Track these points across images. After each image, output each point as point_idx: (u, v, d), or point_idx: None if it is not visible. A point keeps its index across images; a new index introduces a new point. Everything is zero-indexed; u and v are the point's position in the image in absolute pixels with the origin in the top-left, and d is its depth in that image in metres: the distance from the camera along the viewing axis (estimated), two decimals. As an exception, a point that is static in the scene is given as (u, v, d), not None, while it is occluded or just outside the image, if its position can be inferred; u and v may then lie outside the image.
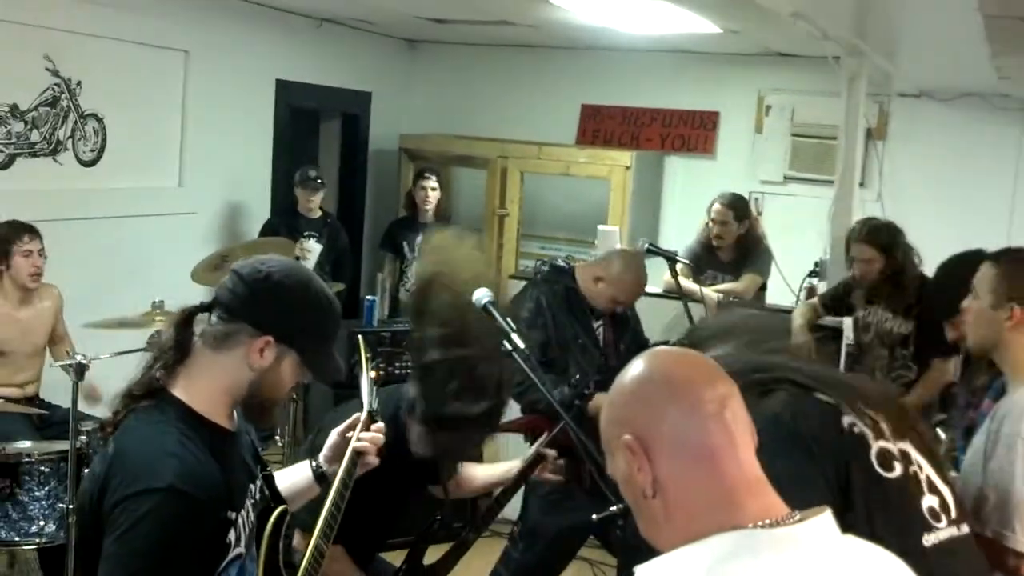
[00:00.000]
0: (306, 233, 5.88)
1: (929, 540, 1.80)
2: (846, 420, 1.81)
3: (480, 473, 3.17)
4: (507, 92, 7.72)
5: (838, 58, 4.81)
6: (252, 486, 1.97)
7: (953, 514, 1.87)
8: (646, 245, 3.81)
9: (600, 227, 5.13)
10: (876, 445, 1.81)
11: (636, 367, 1.31)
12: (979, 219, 6.37)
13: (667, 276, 4.49)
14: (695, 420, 1.22)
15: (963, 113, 6.98)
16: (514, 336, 2.49)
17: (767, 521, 1.17)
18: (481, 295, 2.55)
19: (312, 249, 5.79)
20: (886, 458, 1.81)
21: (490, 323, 2.55)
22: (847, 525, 1.71)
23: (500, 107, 7.70)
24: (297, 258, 5.71)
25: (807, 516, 1.21)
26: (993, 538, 2.17)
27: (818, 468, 1.75)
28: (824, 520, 1.21)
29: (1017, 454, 2.19)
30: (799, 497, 1.67)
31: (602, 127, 7.49)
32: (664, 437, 1.22)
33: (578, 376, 3.24)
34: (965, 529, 1.89)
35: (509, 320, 2.53)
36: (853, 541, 1.25)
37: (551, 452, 3.03)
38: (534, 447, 3.10)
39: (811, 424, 1.79)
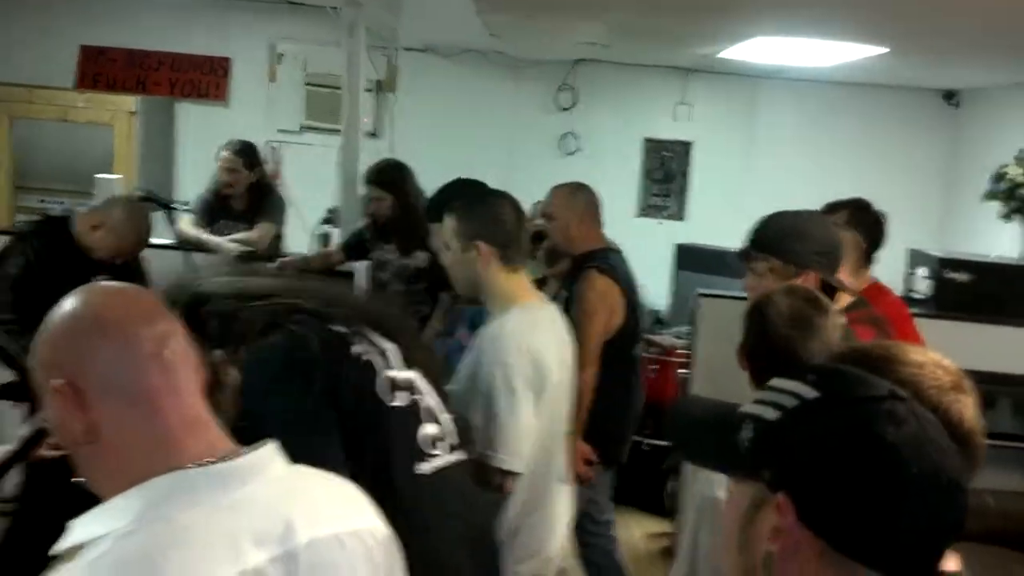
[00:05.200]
0: None
1: (423, 467, 1.89)
2: (355, 349, 1.84)
3: None
4: (-8, 28, 6.91)
5: (336, 8, 4.88)
6: None
7: (449, 441, 1.98)
8: (139, 193, 3.62)
9: (98, 176, 4.78)
10: (383, 374, 1.86)
11: (66, 305, 1.22)
12: (481, 165, 6.87)
13: (179, 227, 4.32)
14: (129, 361, 1.16)
15: (464, 67, 7.47)
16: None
17: (208, 460, 1.16)
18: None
19: None
20: (392, 387, 1.87)
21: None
22: (352, 453, 1.75)
23: (-17, 45, 6.87)
24: None
25: (251, 450, 1.20)
26: (480, 460, 2.35)
27: (318, 399, 1.76)
28: (266, 452, 1.22)
29: (497, 380, 2.37)
30: (298, 431, 1.68)
31: (104, 70, 6.97)
32: (96, 379, 1.16)
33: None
34: (459, 455, 2.01)
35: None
36: (299, 470, 1.27)
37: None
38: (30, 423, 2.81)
39: (310, 354, 1.80)
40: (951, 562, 1.36)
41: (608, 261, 3.70)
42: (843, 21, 4.55)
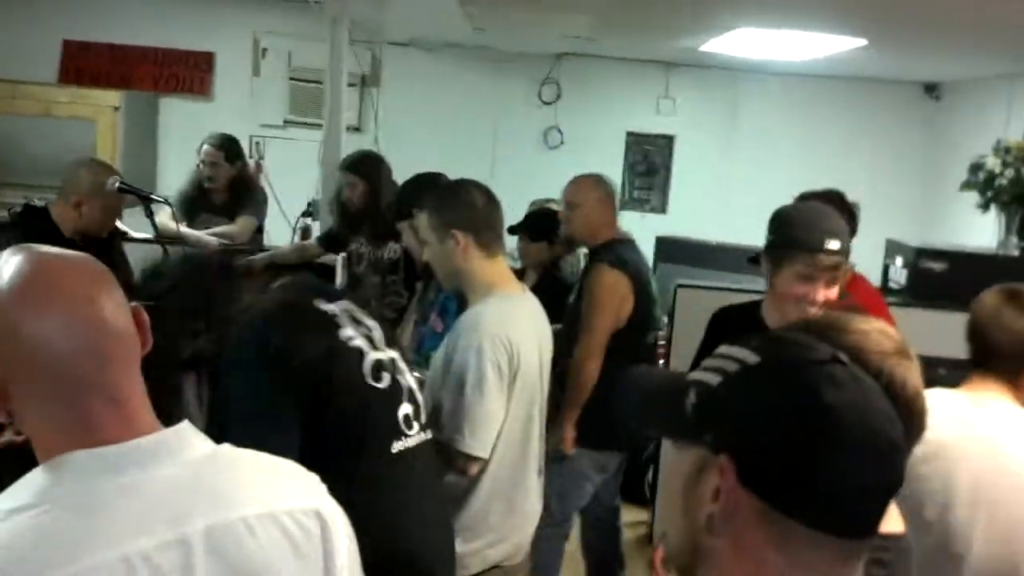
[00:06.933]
0: None
1: (397, 446, 1.92)
2: (343, 333, 1.87)
3: None
4: (-27, 24, 6.90)
5: (319, 2, 4.88)
6: None
7: (423, 419, 2.02)
8: (117, 184, 3.61)
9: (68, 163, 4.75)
10: (370, 356, 1.89)
11: None
12: (465, 159, 6.88)
13: (158, 219, 4.31)
14: (49, 342, 1.10)
15: (448, 62, 7.49)
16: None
17: (109, 442, 1.12)
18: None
19: None
20: (378, 369, 1.90)
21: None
22: (335, 428, 1.78)
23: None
24: None
25: (161, 432, 1.16)
26: (446, 443, 2.37)
27: (291, 381, 1.79)
28: (174, 434, 1.17)
29: (469, 365, 2.39)
30: (249, 413, 1.71)
31: (87, 65, 6.96)
32: (9, 363, 1.11)
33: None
34: (428, 434, 2.05)
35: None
36: (223, 451, 1.22)
37: None
38: None
39: (298, 339, 1.82)
40: (895, 523, 1.38)
41: (618, 253, 3.75)
42: (821, 12, 4.58)
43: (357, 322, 1.93)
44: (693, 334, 4.50)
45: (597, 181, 3.91)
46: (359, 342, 1.90)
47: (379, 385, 1.91)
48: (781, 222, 2.58)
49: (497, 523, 2.52)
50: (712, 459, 0.98)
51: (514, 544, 2.60)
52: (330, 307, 1.92)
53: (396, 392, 1.96)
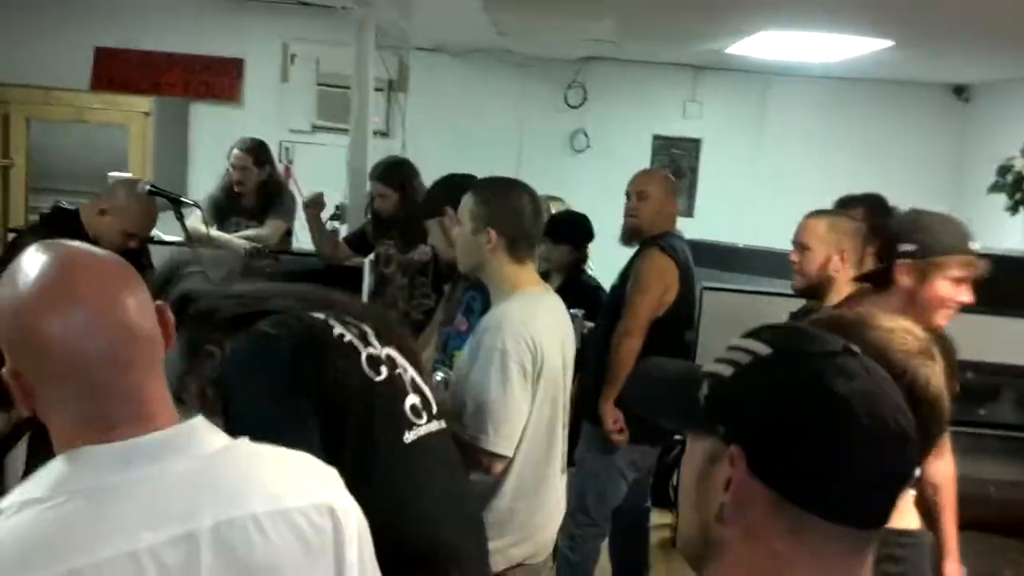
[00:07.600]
0: None
1: (410, 436, 1.94)
2: (336, 331, 1.90)
3: None
4: (8, 32, 7.00)
5: (347, 8, 4.93)
6: None
7: (433, 410, 2.04)
8: (147, 187, 3.66)
9: (111, 174, 4.83)
10: (365, 351, 1.91)
11: (17, 274, 1.15)
12: (491, 163, 6.90)
13: (189, 223, 4.36)
14: (72, 350, 1.11)
15: (474, 67, 7.52)
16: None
17: (126, 436, 1.13)
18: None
19: None
20: (374, 362, 1.92)
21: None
22: (338, 428, 1.81)
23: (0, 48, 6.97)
24: None
25: (174, 427, 1.17)
26: (470, 441, 2.39)
27: (286, 391, 1.82)
28: (187, 429, 1.18)
29: (493, 365, 2.41)
30: (265, 422, 1.73)
31: (118, 71, 7.06)
32: (36, 368, 1.13)
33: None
34: (443, 424, 2.06)
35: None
36: (239, 446, 1.22)
37: None
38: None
39: (280, 348, 1.85)
40: (910, 518, 1.39)
41: (672, 243, 3.80)
42: (846, 13, 4.57)
43: (348, 323, 1.95)
44: (719, 337, 4.52)
45: (665, 174, 4.06)
46: (353, 339, 1.92)
47: (377, 377, 1.92)
48: (922, 231, 2.52)
49: (522, 521, 2.53)
50: (724, 449, 0.99)
51: (538, 542, 2.61)
52: (320, 315, 1.94)
53: (397, 383, 1.97)
